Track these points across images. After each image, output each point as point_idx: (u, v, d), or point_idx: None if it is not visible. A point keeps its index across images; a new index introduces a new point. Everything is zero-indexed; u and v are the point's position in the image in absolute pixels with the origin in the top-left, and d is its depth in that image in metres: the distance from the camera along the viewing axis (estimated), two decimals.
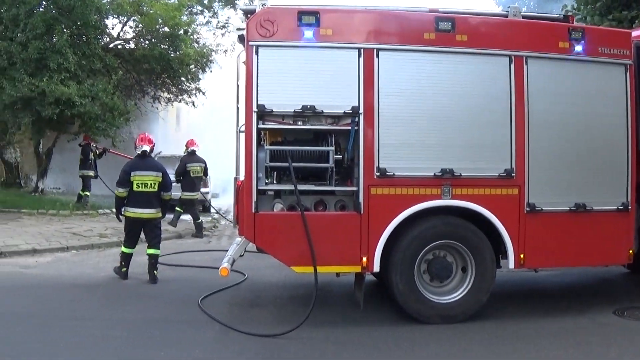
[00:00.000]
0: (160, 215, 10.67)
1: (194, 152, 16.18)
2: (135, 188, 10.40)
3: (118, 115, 19.33)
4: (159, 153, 21.69)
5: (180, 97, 24.23)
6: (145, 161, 10.60)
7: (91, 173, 19.77)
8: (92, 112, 18.30)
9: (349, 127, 7.60)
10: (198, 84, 23.54)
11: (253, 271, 10.71)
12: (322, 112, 7.56)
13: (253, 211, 7.49)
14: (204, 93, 23.78)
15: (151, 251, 10.58)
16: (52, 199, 20.37)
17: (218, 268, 7.78)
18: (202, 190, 19.83)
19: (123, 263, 10.57)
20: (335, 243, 7.57)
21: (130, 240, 10.63)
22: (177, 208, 16.15)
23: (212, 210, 16.87)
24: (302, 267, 7.59)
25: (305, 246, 7.44)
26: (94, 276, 10.64)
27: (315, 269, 7.47)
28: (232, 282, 9.77)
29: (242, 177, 7.95)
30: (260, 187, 7.57)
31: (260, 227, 7.54)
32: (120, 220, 10.87)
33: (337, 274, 8.43)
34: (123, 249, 10.65)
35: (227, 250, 8.71)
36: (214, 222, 18.74)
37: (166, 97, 24.67)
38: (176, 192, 15.03)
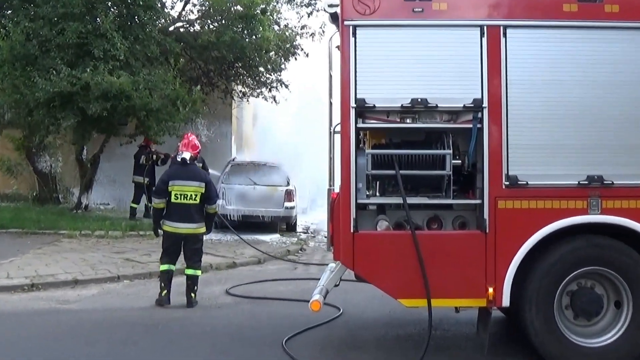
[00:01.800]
0: (202, 230, 11.28)
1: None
2: (173, 199, 11.04)
3: (183, 106, 19.60)
4: (233, 160, 22.26)
5: (259, 91, 24.57)
6: (186, 169, 11.20)
7: (142, 179, 20.39)
8: (151, 105, 18.57)
9: (470, 125, 7.66)
10: (280, 75, 23.82)
11: (350, 305, 10.82)
12: (436, 106, 7.64)
13: (352, 230, 7.62)
14: (287, 86, 24.08)
15: (190, 272, 11.21)
16: (99, 216, 20.91)
17: (308, 301, 7.94)
18: (287, 204, 20.24)
19: (162, 285, 11.09)
20: (453, 270, 7.61)
21: (168, 256, 11.18)
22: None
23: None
24: (413, 299, 7.67)
25: (417, 274, 7.51)
26: (152, 312, 10.87)
27: (429, 303, 7.53)
28: (324, 319, 9.90)
29: (337, 189, 8.11)
30: (360, 201, 7.70)
31: (360, 250, 7.65)
32: (157, 236, 11.59)
33: (456, 309, 8.45)
34: (160, 266, 11.21)
35: (318, 279, 8.86)
36: (300, 243, 18.97)
37: (241, 91, 25.06)
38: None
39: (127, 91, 17.90)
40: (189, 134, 11.94)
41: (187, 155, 11.28)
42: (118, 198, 24.15)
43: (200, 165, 16.44)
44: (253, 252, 16.28)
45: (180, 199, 11.02)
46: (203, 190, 11.09)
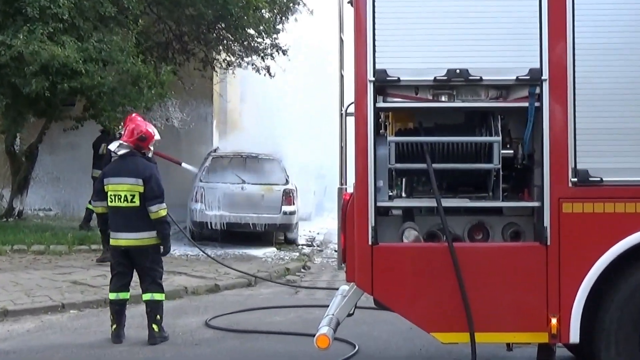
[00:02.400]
0: (152, 242, 11.16)
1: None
2: (109, 202, 11.12)
3: (148, 87, 19.61)
4: (215, 150, 22.30)
5: (248, 60, 24.57)
6: (123, 162, 11.19)
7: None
8: (105, 84, 18.56)
9: (526, 104, 7.62)
10: (275, 39, 23.82)
11: (368, 340, 10.83)
12: (480, 79, 7.60)
13: (370, 242, 7.59)
14: (285, 53, 24.07)
15: (146, 297, 11.20)
16: (38, 226, 20.89)
17: (313, 336, 7.90)
18: (286, 208, 20.22)
19: (112, 317, 11.16)
20: (504, 294, 7.58)
21: (115, 278, 11.24)
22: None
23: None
24: (451, 333, 7.65)
25: (456, 299, 7.48)
26: (107, 351, 10.82)
27: (472, 338, 7.49)
28: (334, 358, 9.84)
29: (350, 188, 8.10)
30: (381, 204, 7.68)
31: (381, 269, 7.62)
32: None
33: (508, 346, 8.39)
34: (109, 294, 11.29)
35: (326, 307, 8.85)
36: (303, 259, 18.96)
37: (225, 60, 25.07)
38: None
39: (71, 66, 17.75)
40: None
41: (113, 146, 11.29)
42: (63, 202, 24.11)
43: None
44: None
45: (115, 201, 11.06)
46: (142, 189, 11.02)
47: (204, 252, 16.52)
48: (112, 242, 11.18)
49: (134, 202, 11.00)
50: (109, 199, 11.06)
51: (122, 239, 11.06)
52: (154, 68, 20.07)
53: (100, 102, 19.25)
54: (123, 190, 11.00)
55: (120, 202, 11.00)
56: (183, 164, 20.26)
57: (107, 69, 18.72)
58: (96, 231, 19.35)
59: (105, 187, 11.10)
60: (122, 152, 11.10)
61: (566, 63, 7.57)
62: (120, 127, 16.65)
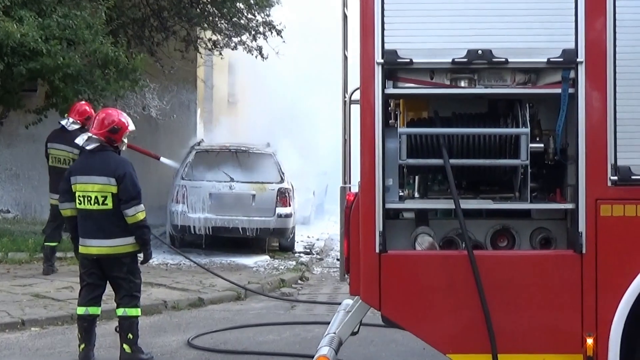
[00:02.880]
0: (127, 249, 11.00)
1: (63, 128, 16.10)
2: (77, 204, 10.94)
3: (117, 72, 19.45)
4: (199, 143, 22.28)
5: (237, 40, 24.56)
6: (92, 159, 11.00)
7: None
8: (71, 66, 18.36)
9: (558, 90, 7.60)
10: (268, 16, 23.82)
11: None
12: (506, 61, 7.59)
13: (377, 250, 7.58)
14: (279, 32, 24.08)
15: (119, 312, 11.05)
16: None
17: (312, 357, 7.93)
18: (281, 210, 20.20)
19: (80, 336, 11.00)
20: (532, 310, 7.58)
21: (85, 291, 11.12)
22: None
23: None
24: (470, 355, 7.64)
25: (476, 316, 7.47)
26: None
27: None
28: None
29: (355, 187, 8.09)
30: (390, 205, 7.68)
31: (390, 281, 7.61)
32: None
33: None
34: (77, 308, 11.15)
35: (327, 324, 8.90)
36: (300, 269, 18.95)
37: (210, 39, 25.06)
38: None
39: (32, 44, 17.56)
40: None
41: (80, 139, 11.08)
42: (23, 202, 24.09)
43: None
44: (228, 282, 16.24)
45: (84, 203, 10.88)
46: (115, 190, 10.87)
47: (187, 257, 16.49)
48: (81, 249, 11.01)
49: (106, 204, 10.83)
50: (77, 200, 10.89)
51: (93, 246, 10.88)
52: (127, 48, 19.87)
53: (65, 86, 18.90)
54: (93, 191, 10.81)
55: (91, 204, 10.82)
56: (162, 159, 20.18)
57: (72, 49, 18.44)
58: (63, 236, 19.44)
59: (72, 186, 10.93)
60: (91, 146, 10.89)
61: (605, 43, 7.54)
62: (65, 116, 16.62)
